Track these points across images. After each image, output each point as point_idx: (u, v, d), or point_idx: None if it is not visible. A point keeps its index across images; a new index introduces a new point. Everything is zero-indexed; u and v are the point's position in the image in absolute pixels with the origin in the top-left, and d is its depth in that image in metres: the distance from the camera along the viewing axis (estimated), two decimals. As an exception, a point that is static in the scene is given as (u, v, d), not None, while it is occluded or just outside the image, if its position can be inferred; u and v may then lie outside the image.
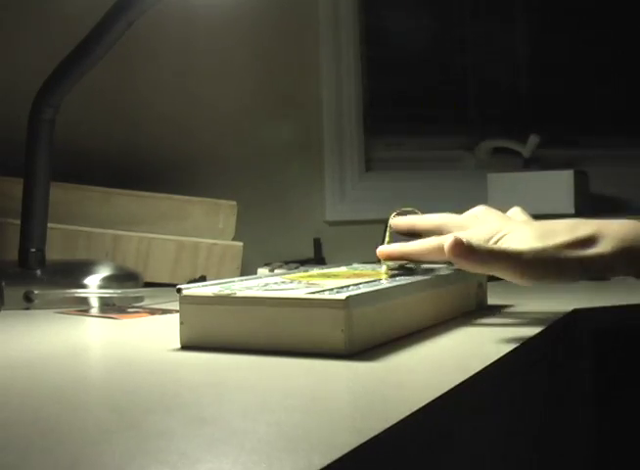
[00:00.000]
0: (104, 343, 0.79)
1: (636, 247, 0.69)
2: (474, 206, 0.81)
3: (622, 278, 1.24)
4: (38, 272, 1.00)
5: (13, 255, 1.02)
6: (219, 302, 0.65)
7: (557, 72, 2.00)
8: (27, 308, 0.96)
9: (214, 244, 1.25)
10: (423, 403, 0.47)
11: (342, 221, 1.69)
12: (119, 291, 1.00)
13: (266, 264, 1.12)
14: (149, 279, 1.16)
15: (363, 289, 0.66)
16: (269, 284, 0.71)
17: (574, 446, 0.90)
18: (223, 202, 1.35)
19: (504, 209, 0.81)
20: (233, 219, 1.34)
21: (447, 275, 0.81)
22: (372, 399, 0.49)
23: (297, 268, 0.97)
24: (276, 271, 0.96)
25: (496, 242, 0.72)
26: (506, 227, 0.73)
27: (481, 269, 0.70)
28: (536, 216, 0.78)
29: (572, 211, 1.53)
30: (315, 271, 0.84)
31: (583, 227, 0.70)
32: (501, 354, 0.62)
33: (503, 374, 0.63)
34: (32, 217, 1.00)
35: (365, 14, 1.77)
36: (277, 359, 0.60)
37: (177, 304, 0.67)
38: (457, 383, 0.52)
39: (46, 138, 1.00)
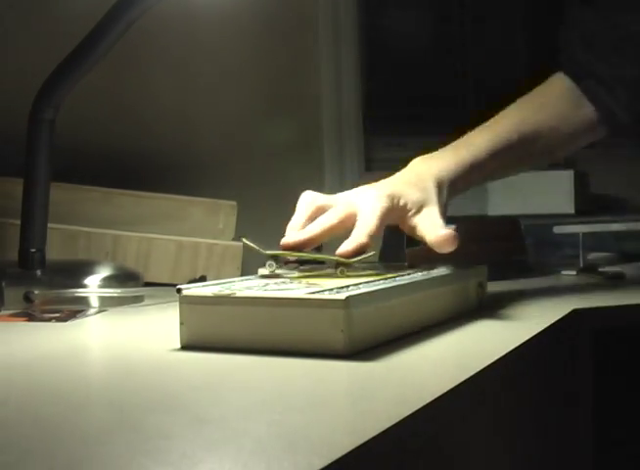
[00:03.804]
0: (104, 343, 0.79)
1: None
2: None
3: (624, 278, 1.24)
4: (38, 272, 1.00)
5: (13, 255, 1.02)
6: (219, 302, 0.65)
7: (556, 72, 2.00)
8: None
9: (214, 244, 1.25)
10: (423, 403, 0.47)
11: (342, 221, 1.68)
12: (119, 291, 1.00)
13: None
14: (149, 279, 1.16)
15: (363, 289, 0.66)
16: (269, 284, 0.71)
17: (574, 445, 0.90)
18: (223, 202, 1.35)
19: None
20: (233, 219, 1.34)
21: (447, 275, 0.81)
22: (372, 400, 0.49)
23: (296, 268, 0.97)
24: (276, 271, 0.96)
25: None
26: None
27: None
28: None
29: (572, 211, 1.52)
30: (315, 271, 0.84)
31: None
32: (501, 354, 0.62)
33: (503, 374, 0.63)
34: (32, 217, 1.00)
35: (365, 14, 1.77)
36: (277, 359, 0.60)
37: (177, 303, 0.67)
38: (457, 383, 0.52)
39: (46, 138, 1.00)
